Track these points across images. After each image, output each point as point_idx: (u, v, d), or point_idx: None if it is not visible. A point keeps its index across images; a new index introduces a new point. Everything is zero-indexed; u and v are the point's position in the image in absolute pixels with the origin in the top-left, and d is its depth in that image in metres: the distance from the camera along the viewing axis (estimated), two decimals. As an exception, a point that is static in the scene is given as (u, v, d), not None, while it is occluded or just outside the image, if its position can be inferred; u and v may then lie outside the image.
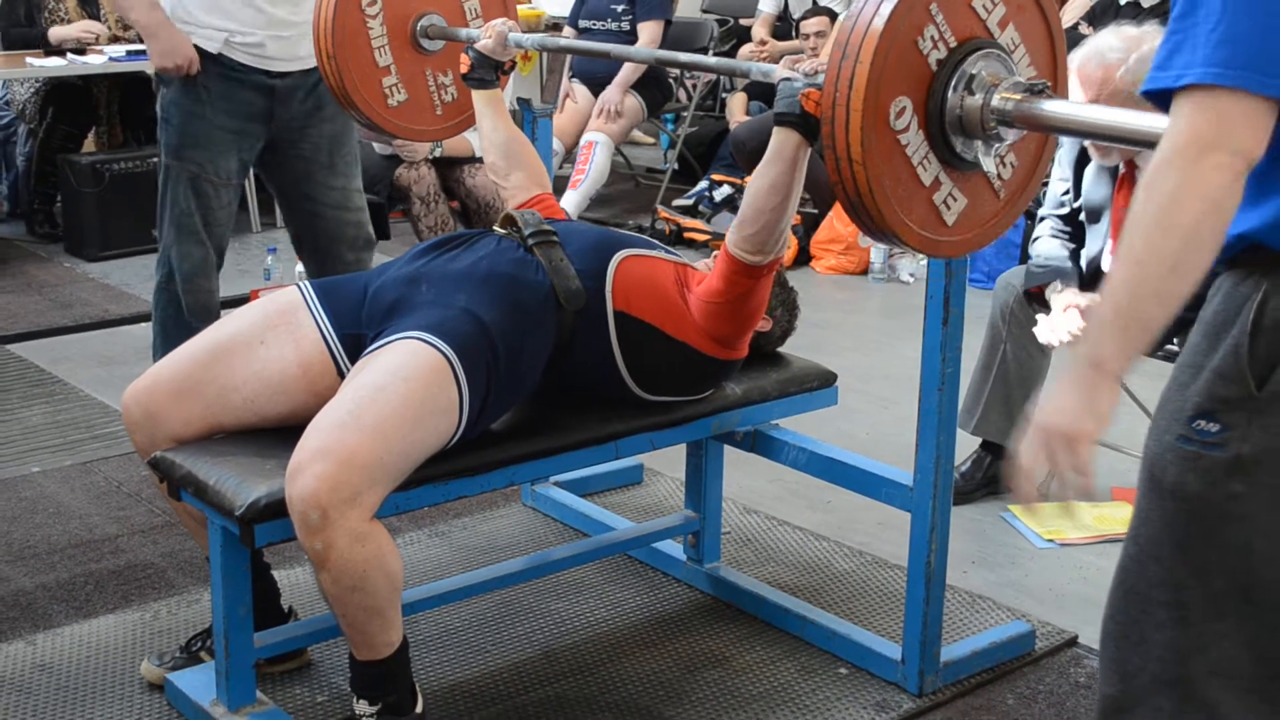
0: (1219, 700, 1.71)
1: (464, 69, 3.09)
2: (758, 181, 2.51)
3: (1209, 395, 1.66)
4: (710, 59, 2.77)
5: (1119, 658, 1.78)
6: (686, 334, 2.67)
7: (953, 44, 2.03)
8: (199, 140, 3.56)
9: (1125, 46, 3.17)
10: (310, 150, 3.71)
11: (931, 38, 2.01)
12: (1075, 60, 3.26)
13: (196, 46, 3.56)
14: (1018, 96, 2.01)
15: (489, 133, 3.07)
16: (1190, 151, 1.56)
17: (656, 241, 2.88)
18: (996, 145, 2.09)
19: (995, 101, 2.02)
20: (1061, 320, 3.29)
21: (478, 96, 3.11)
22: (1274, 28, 1.55)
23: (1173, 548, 1.72)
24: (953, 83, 2.03)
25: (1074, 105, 2.04)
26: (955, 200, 2.13)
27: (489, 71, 3.08)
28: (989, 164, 2.07)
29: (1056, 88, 2.20)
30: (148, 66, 6.30)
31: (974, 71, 2.04)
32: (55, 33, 6.24)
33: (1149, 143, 1.86)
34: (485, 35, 3.06)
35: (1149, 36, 3.17)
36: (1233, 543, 1.67)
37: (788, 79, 2.42)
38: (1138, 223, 1.58)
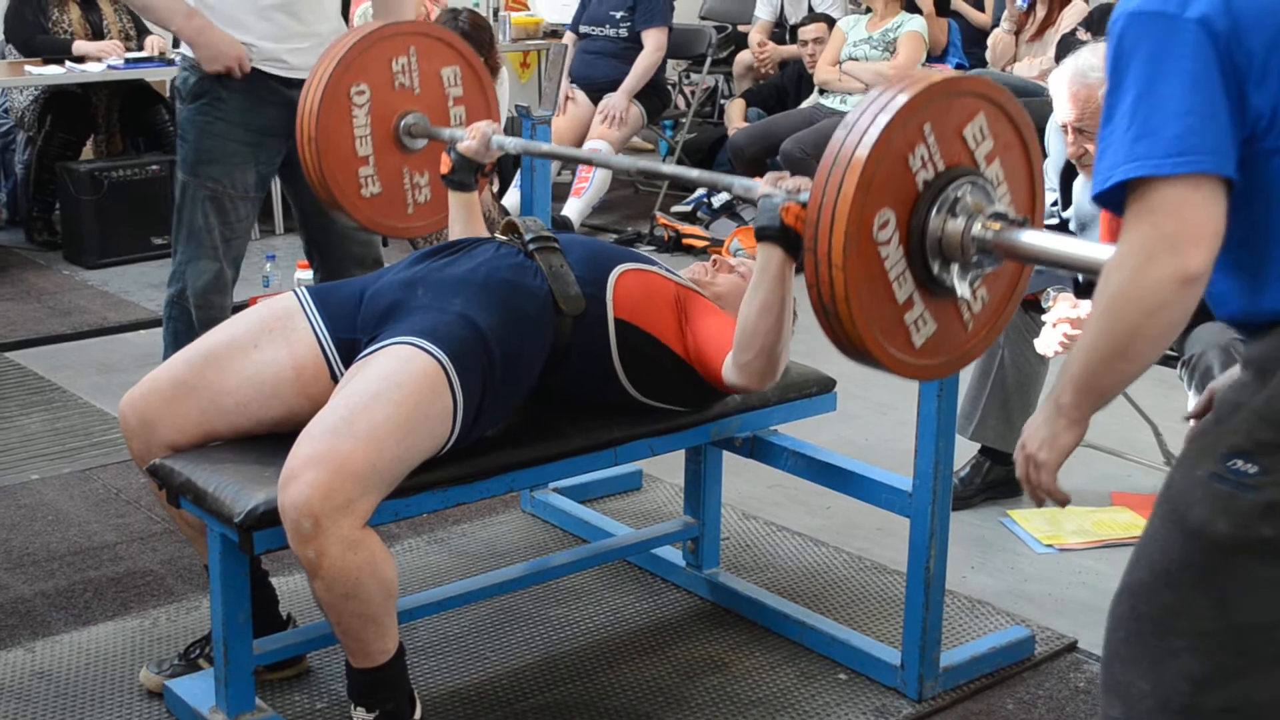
0: None
1: (444, 169, 3.02)
2: (748, 306, 2.45)
3: (1249, 436, 1.64)
4: (693, 172, 2.73)
5: (1125, 681, 1.76)
6: (684, 353, 2.67)
7: (941, 167, 2.05)
8: (215, 155, 3.55)
9: (1104, 61, 3.18)
10: None
11: (922, 157, 2.02)
12: (1060, 79, 3.28)
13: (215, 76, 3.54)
14: (997, 226, 2.03)
15: (458, 234, 3.00)
16: (1132, 259, 1.62)
17: (657, 260, 2.87)
18: (973, 273, 2.10)
19: (976, 229, 2.04)
20: (1052, 334, 3.30)
21: (454, 198, 3.03)
22: (1180, 113, 1.60)
23: (1193, 580, 1.69)
24: (937, 204, 2.05)
25: (1052, 237, 2.05)
26: (925, 324, 2.12)
27: (469, 174, 3.01)
28: (963, 289, 2.09)
29: (1035, 221, 2.21)
30: (147, 75, 6.35)
31: (958, 195, 2.05)
32: (80, 46, 6.27)
33: None
34: (469, 136, 2.99)
35: None
36: (1260, 580, 1.65)
37: (768, 195, 2.37)
38: (1094, 305, 1.66)
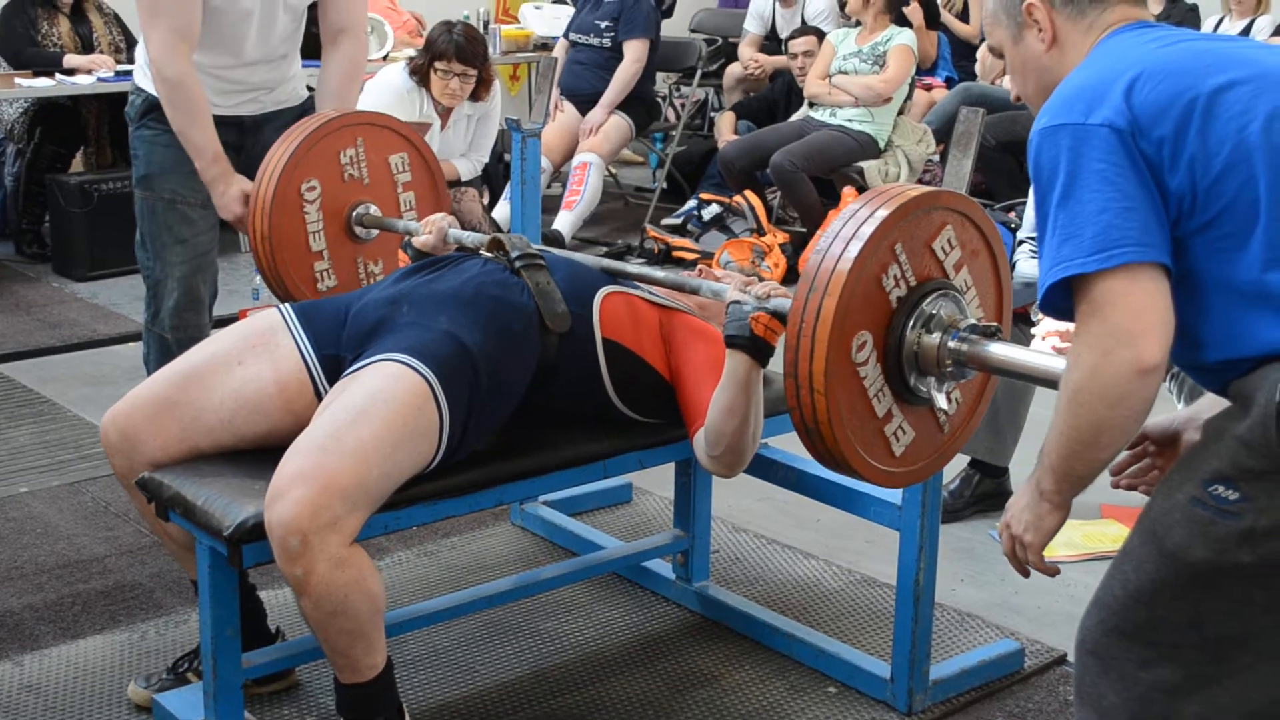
0: None
1: (401, 265, 2.96)
2: (715, 405, 2.46)
3: (1231, 462, 1.67)
4: (659, 272, 2.72)
5: (1095, 692, 1.80)
6: (670, 378, 2.67)
7: (913, 283, 2.09)
8: (167, 165, 3.47)
9: None
10: None
11: (894, 276, 2.07)
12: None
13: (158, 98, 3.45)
14: (972, 339, 2.08)
15: None
16: (1087, 356, 1.68)
17: (637, 283, 2.83)
18: (948, 383, 2.15)
19: (951, 344, 2.09)
20: (1041, 346, 3.31)
21: None
22: (1097, 212, 1.67)
23: (1168, 600, 1.73)
24: (911, 320, 2.09)
25: (1022, 351, 2.10)
26: (905, 433, 2.17)
27: None
28: (940, 400, 2.15)
29: (1003, 326, 2.27)
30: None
31: (932, 311, 2.10)
32: (70, 59, 6.27)
33: None
34: (425, 230, 2.94)
35: None
36: (1233, 596, 1.69)
37: (738, 302, 2.39)
38: (1058, 401, 1.73)
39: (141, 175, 3.52)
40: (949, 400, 2.17)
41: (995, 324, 2.11)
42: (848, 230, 2.02)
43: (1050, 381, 2.04)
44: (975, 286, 2.21)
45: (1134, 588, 1.75)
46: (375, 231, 3.29)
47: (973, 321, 2.11)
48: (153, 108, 3.48)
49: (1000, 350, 2.07)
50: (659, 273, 2.73)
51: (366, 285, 3.26)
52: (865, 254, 2.00)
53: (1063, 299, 1.72)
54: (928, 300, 2.09)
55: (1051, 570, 1.92)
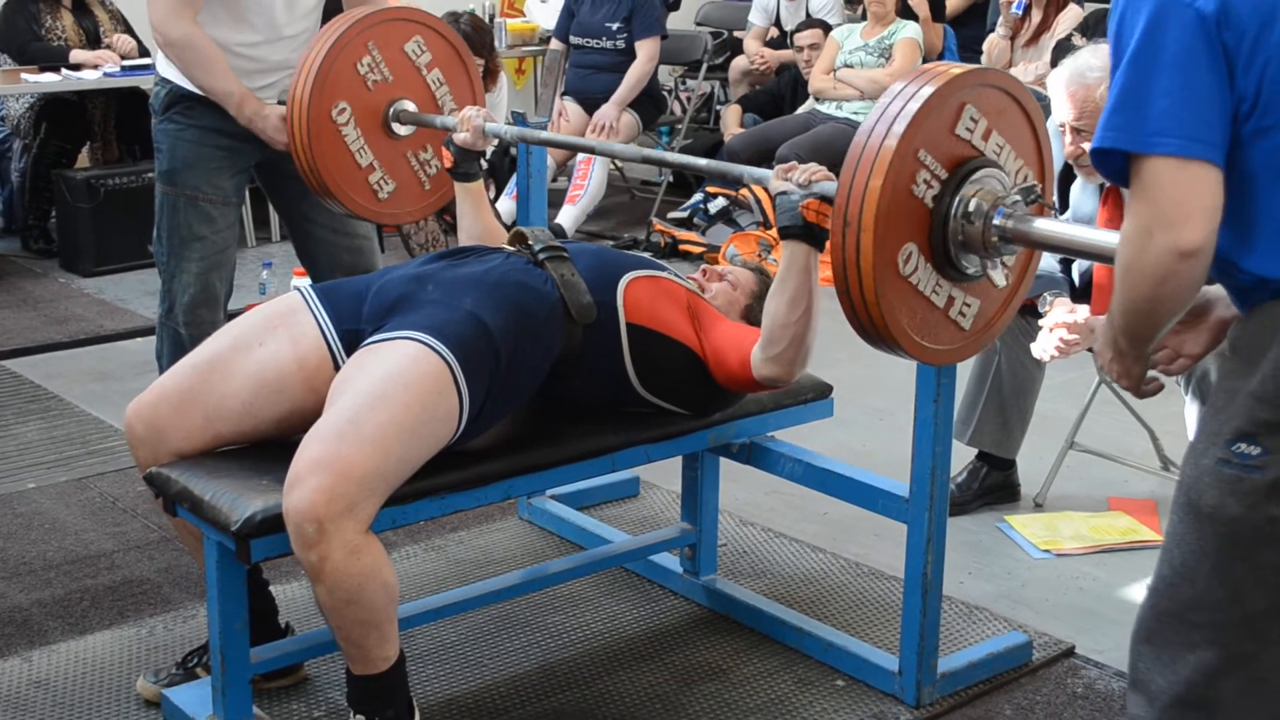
0: None
1: (447, 164, 3.08)
2: (776, 299, 2.50)
3: (1249, 419, 1.70)
4: (701, 161, 2.80)
5: (1146, 678, 1.82)
6: (701, 351, 2.68)
7: (944, 176, 2.12)
8: (191, 162, 3.51)
9: (1104, 65, 3.19)
10: None
11: (924, 180, 2.10)
12: (1058, 79, 3.29)
13: (185, 89, 3.48)
14: (1015, 215, 2.12)
15: (468, 226, 3.06)
16: (1133, 235, 1.68)
17: (664, 264, 2.88)
18: (1001, 257, 2.20)
19: (995, 224, 2.13)
20: (1049, 338, 3.30)
21: (460, 189, 3.09)
22: (1164, 93, 1.64)
23: (1209, 571, 1.75)
24: (952, 213, 2.13)
25: (1063, 226, 2.16)
26: (970, 306, 2.24)
27: (471, 164, 3.07)
28: (998, 277, 2.22)
29: (1044, 168, 2.31)
30: (142, 82, 6.35)
31: (970, 207, 2.13)
32: (77, 55, 6.27)
33: None
34: (462, 128, 3.04)
35: None
36: (1267, 565, 1.71)
37: (784, 193, 2.43)
38: (1115, 272, 1.73)
39: (164, 170, 3.55)
40: (1004, 270, 2.24)
41: (1036, 185, 2.15)
42: (867, 156, 2.05)
43: (1094, 254, 2.10)
44: (1010, 143, 2.23)
45: (1178, 563, 1.78)
46: (413, 127, 3.38)
47: (1013, 196, 2.13)
48: (177, 100, 3.51)
49: (1043, 227, 2.11)
50: (700, 161, 2.81)
51: (422, 177, 3.43)
52: (892, 172, 2.03)
53: (1113, 161, 1.71)
54: (964, 187, 2.12)
55: (1157, 389, 1.96)
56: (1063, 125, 3.29)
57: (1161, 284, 1.67)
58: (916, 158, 2.06)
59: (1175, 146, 1.63)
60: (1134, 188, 1.68)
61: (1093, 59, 3.24)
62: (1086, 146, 3.20)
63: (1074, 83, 3.24)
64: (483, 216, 3.07)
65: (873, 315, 2.11)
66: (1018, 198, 2.14)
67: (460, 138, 3.04)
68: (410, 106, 3.35)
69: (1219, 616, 1.74)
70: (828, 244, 2.22)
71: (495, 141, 3.11)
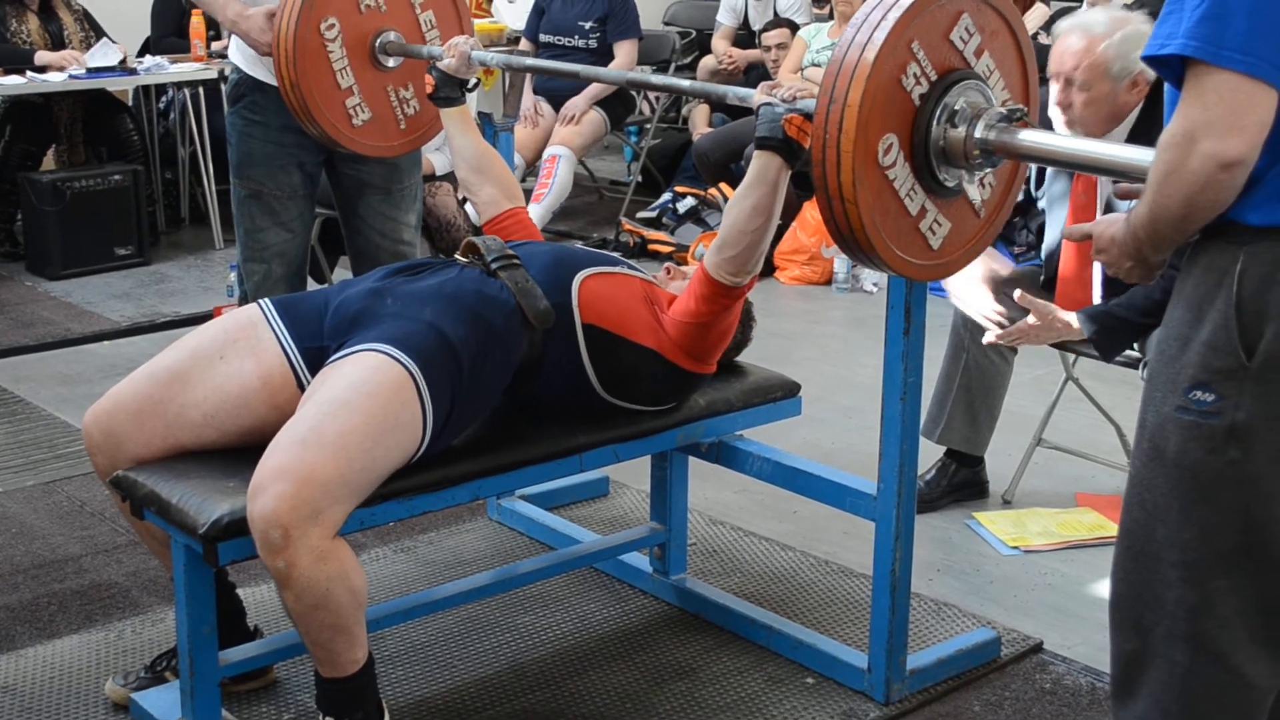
0: (1230, 650, 1.82)
1: (429, 89, 3.12)
2: (739, 205, 2.52)
3: (1202, 366, 1.76)
4: (685, 82, 2.84)
5: (1134, 615, 1.88)
6: (658, 344, 2.68)
7: (934, 77, 2.12)
8: (255, 157, 3.58)
9: (1112, 22, 3.22)
10: (369, 174, 3.67)
11: (914, 74, 2.09)
12: (1063, 28, 3.29)
13: (255, 78, 3.56)
14: (998, 127, 2.10)
15: (460, 149, 3.10)
16: (1179, 139, 1.69)
17: (618, 257, 2.89)
18: (980, 173, 2.17)
19: (978, 132, 2.11)
20: (978, 303, 3.37)
21: (446, 114, 3.14)
22: (1253, 10, 1.65)
23: (1178, 512, 1.81)
24: (936, 115, 2.12)
25: (1050, 135, 2.14)
26: (940, 225, 2.22)
27: (454, 90, 3.12)
28: (973, 192, 2.18)
29: (1029, 104, 2.30)
30: (109, 84, 6.32)
31: (956, 106, 2.12)
32: (42, 56, 6.23)
33: (1121, 173, 1.98)
34: (448, 54, 3.09)
35: (1137, 19, 3.22)
36: (1231, 506, 1.77)
37: (768, 104, 2.45)
38: (1149, 178, 1.74)
39: (234, 163, 3.66)
40: (982, 187, 2.22)
41: (1021, 107, 2.14)
42: (861, 36, 2.04)
43: (1077, 164, 2.11)
44: (999, 69, 2.24)
45: (1150, 505, 1.84)
46: (400, 59, 3.38)
47: (999, 110, 2.13)
48: (247, 91, 3.56)
49: (1028, 137, 2.10)
50: (683, 83, 2.82)
51: (399, 114, 3.44)
52: (882, 57, 2.01)
53: (1173, 63, 1.71)
54: (951, 93, 2.11)
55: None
56: (1056, 74, 3.28)
57: (1201, 191, 1.68)
58: (909, 48, 2.06)
59: (1246, 65, 1.65)
60: (1189, 93, 1.68)
61: (1102, 15, 3.27)
62: (1078, 100, 3.23)
63: (1078, 31, 3.24)
64: (473, 137, 3.12)
65: (845, 199, 2.07)
66: (1003, 111, 2.14)
67: (446, 63, 3.09)
68: (399, 39, 3.37)
69: (1190, 556, 1.81)
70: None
71: (479, 69, 3.12)
